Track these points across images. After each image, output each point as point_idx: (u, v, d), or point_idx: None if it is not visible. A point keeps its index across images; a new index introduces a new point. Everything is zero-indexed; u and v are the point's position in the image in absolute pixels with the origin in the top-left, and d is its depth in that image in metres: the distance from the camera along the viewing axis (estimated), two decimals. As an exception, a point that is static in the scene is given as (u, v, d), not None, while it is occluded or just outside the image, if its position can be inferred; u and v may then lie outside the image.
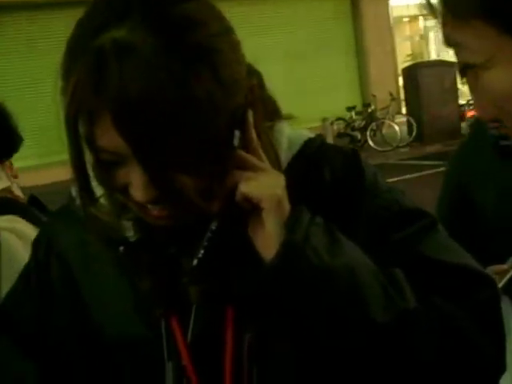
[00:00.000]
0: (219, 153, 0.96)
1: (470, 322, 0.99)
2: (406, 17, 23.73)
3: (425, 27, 24.42)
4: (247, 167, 0.99)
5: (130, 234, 1.08)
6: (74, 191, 1.13)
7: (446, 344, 0.97)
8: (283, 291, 0.96)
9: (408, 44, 24.85)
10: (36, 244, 1.21)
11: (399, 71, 18.94)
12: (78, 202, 1.09)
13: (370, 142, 16.09)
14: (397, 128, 16.13)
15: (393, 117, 16.85)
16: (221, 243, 1.00)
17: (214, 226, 1.00)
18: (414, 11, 22.84)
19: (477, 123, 1.64)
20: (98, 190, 1.07)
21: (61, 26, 16.06)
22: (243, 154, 1.00)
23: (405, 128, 16.30)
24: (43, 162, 16.48)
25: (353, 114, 16.98)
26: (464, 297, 1.01)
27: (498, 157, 1.55)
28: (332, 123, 15.96)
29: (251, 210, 0.99)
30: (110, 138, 0.91)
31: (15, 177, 2.05)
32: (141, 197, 0.95)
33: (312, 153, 1.09)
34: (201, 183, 0.96)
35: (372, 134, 16.45)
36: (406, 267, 1.00)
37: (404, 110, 17.50)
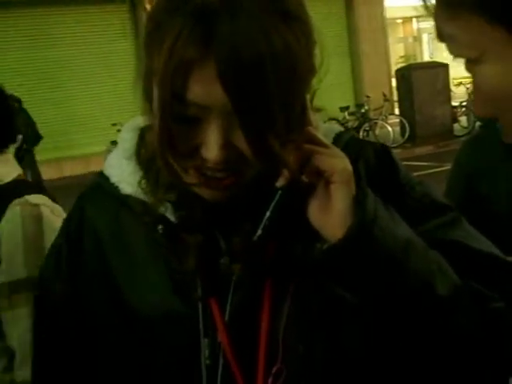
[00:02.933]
0: (300, 117, 0.99)
1: (505, 306, 1.02)
2: (399, 18, 23.74)
3: (418, 29, 24.44)
4: (316, 143, 1.01)
5: (170, 215, 1.08)
6: (109, 170, 1.16)
7: (487, 323, 1.01)
8: (348, 269, 0.98)
9: (401, 45, 24.86)
10: (68, 220, 1.21)
11: (392, 72, 18.94)
12: (115, 179, 1.13)
13: (363, 143, 16.04)
14: (390, 129, 16.14)
15: (386, 117, 16.85)
16: (279, 217, 1.00)
17: (278, 198, 1.00)
18: (407, 13, 22.86)
19: None
20: (140, 175, 1.10)
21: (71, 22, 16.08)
22: (312, 129, 1.02)
23: (398, 129, 16.30)
24: (51, 156, 16.46)
25: (346, 114, 16.97)
26: (495, 283, 1.04)
27: (506, 150, 1.55)
28: (325, 123, 15.87)
29: (315, 185, 1.00)
30: (204, 90, 0.92)
31: None
32: (215, 156, 0.95)
33: (344, 146, 1.10)
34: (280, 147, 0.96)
35: (365, 134, 16.43)
36: (440, 253, 1.03)
37: (397, 111, 17.50)
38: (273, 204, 1.00)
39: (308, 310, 1.06)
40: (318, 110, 1.11)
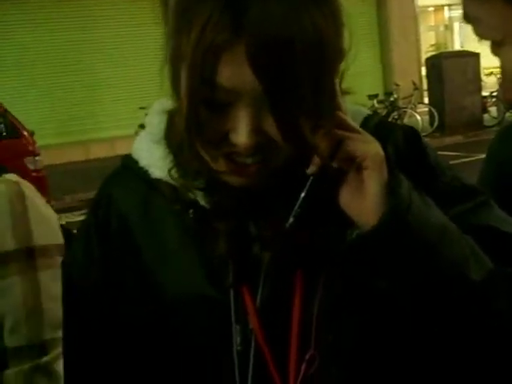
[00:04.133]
0: (330, 100, 0.98)
1: None
2: (430, 6, 23.53)
3: (449, 17, 24.20)
4: (347, 128, 0.99)
5: (201, 200, 1.07)
6: (138, 153, 1.15)
7: None
8: (382, 256, 0.97)
9: (432, 34, 24.63)
10: (96, 203, 1.18)
11: (423, 61, 18.81)
12: (144, 162, 1.12)
13: (391, 131, 15.99)
14: (418, 118, 16.04)
15: (415, 106, 16.76)
16: (311, 204, 0.99)
17: (309, 185, 0.99)
18: (439, 1, 22.64)
19: None
20: (168, 163, 1.09)
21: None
22: (342, 114, 1.01)
23: (427, 118, 16.21)
24: (61, 141, 16.59)
25: (375, 102, 16.87)
26: None
27: None
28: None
29: (347, 171, 0.98)
30: (234, 74, 0.91)
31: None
32: (245, 142, 0.94)
33: (373, 129, 1.08)
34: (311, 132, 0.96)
35: (393, 121, 16.35)
36: (472, 237, 1.02)
37: (426, 100, 17.39)
38: (304, 191, 0.99)
39: (340, 298, 1.05)
40: (346, 92, 1.09)
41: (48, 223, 1.87)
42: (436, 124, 15.78)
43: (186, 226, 1.09)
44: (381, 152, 0.98)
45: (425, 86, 17.61)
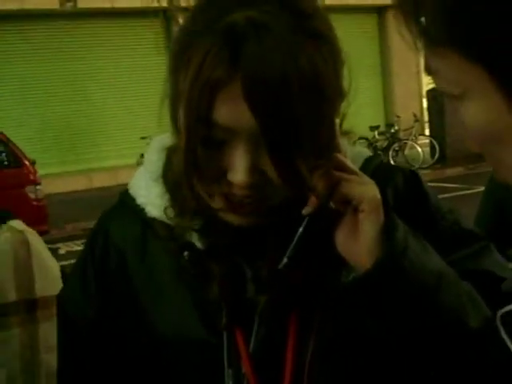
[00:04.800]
0: (329, 141, 0.98)
1: None
2: (432, 39, 23.67)
3: (451, 50, 24.34)
4: (344, 169, 0.99)
5: (196, 241, 1.07)
6: (136, 190, 1.14)
7: None
8: (376, 300, 0.96)
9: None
10: (93, 238, 1.18)
11: (424, 93, 18.89)
12: (141, 200, 1.11)
13: (392, 163, 16.04)
14: (419, 149, 16.08)
15: (416, 138, 16.80)
16: (305, 245, 0.98)
17: (304, 226, 0.98)
18: (440, 33, 22.77)
19: None
20: (165, 201, 1.08)
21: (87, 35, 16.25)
22: (340, 156, 1.00)
23: (427, 150, 16.24)
24: (63, 170, 16.62)
25: (376, 133, 16.95)
26: None
27: None
28: (354, 142, 15.86)
29: (342, 213, 0.98)
30: (230, 111, 0.91)
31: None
32: (241, 181, 0.94)
33: (373, 172, 1.07)
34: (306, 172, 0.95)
35: (394, 154, 16.39)
36: (470, 283, 1.01)
37: (427, 132, 17.43)
38: (299, 232, 0.98)
39: (334, 342, 1.04)
40: (347, 133, 1.08)
41: (50, 273, 1.88)
42: (437, 156, 15.80)
43: (181, 267, 1.08)
44: (378, 195, 0.97)
45: (426, 117, 17.65)
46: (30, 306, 1.81)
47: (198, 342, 1.06)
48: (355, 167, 1.01)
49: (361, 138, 16.51)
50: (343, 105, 1.02)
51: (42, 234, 10.85)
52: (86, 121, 17.35)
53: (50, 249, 1.99)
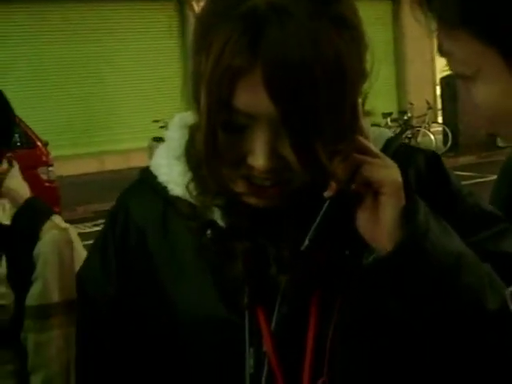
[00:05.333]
0: (351, 124, 0.98)
1: None
2: (447, 26, 23.50)
3: (466, 37, 24.15)
4: (367, 152, 0.99)
5: (218, 219, 1.07)
6: (157, 168, 1.14)
7: None
8: (397, 281, 0.96)
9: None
10: (113, 216, 1.18)
11: (437, 80, 18.78)
12: (163, 178, 1.11)
13: (405, 150, 15.96)
14: (432, 137, 16.01)
15: (428, 125, 16.72)
16: (327, 227, 0.99)
17: (326, 208, 0.99)
18: (455, 20, 22.57)
19: None
20: (189, 177, 1.08)
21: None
22: (362, 138, 1.00)
23: (440, 137, 16.16)
24: (76, 152, 16.64)
25: (388, 120, 16.86)
26: None
27: None
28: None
29: (364, 195, 0.98)
30: (251, 98, 0.91)
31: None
32: (262, 164, 0.94)
33: (394, 153, 1.08)
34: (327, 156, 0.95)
35: (407, 141, 16.33)
36: (490, 265, 1.02)
37: (440, 120, 17.35)
38: (321, 214, 0.98)
39: (355, 322, 1.04)
40: (368, 113, 1.08)
41: None
42: (449, 144, 15.73)
43: (203, 246, 1.08)
44: (398, 178, 0.98)
45: (439, 105, 17.56)
46: (69, 308, 1.80)
47: (218, 320, 1.07)
48: (377, 150, 1.01)
49: (373, 125, 16.40)
50: (365, 85, 1.02)
51: (53, 215, 10.60)
52: (99, 103, 17.33)
53: None
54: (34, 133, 10.62)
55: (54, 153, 11.20)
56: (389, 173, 0.98)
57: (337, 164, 0.96)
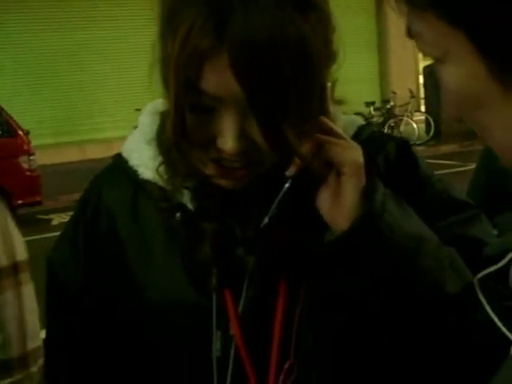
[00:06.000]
0: (319, 106, 0.98)
1: None
2: (429, 15, 23.59)
3: (448, 26, 24.27)
4: (330, 133, 1.00)
5: (187, 202, 1.07)
6: (128, 153, 1.14)
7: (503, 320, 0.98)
8: (354, 261, 0.97)
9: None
10: (85, 200, 1.18)
11: (420, 69, 18.85)
12: (134, 162, 1.11)
13: (387, 139, 16.02)
14: (415, 126, 16.07)
15: (411, 114, 16.78)
16: (289, 206, 1.00)
17: (287, 187, 0.99)
18: (438, 9, 22.67)
19: None
20: (158, 163, 1.08)
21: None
22: (326, 119, 1.01)
23: (423, 126, 16.23)
24: (57, 141, 16.58)
25: (371, 109, 16.91)
26: None
27: None
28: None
29: (326, 175, 0.99)
30: (217, 80, 0.91)
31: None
32: (231, 147, 0.95)
33: (365, 139, 1.09)
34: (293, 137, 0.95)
35: (390, 130, 16.37)
36: (457, 249, 1.02)
37: (423, 108, 17.42)
38: (281, 193, 0.99)
39: (320, 303, 1.04)
40: (340, 102, 1.09)
41: (20, 238, 1.91)
42: (432, 132, 15.81)
43: (173, 229, 1.09)
44: (359, 159, 0.98)
45: (422, 94, 17.63)
46: (15, 270, 1.83)
47: (187, 304, 1.07)
48: (341, 131, 1.02)
49: (356, 114, 16.48)
50: (335, 70, 1.03)
51: (35, 204, 10.78)
52: (80, 92, 17.26)
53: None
54: (15, 121, 10.58)
55: (35, 142, 11.16)
56: (350, 153, 0.98)
57: (301, 143, 0.96)
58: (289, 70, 0.90)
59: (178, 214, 1.08)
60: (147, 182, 1.11)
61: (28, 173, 10.24)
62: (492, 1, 0.68)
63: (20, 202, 10.09)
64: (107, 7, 17.38)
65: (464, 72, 0.74)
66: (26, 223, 9.43)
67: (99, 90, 17.40)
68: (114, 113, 17.41)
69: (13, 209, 9.25)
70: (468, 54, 0.72)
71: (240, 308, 1.05)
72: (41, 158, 11.09)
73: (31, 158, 10.35)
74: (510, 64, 0.70)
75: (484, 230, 1.10)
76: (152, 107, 1.16)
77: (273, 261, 1.04)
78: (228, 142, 0.95)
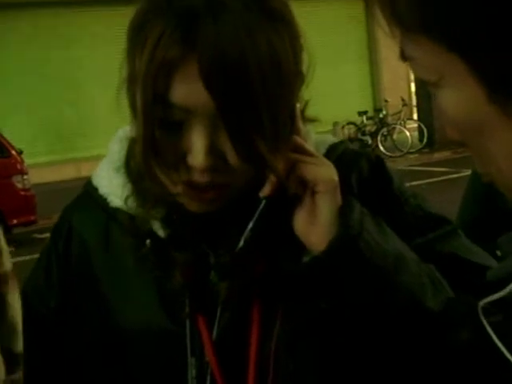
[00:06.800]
0: (288, 124, 0.97)
1: (502, 320, 0.98)
2: (419, 23, 23.70)
3: (438, 34, 24.38)
4: (302, 151, 0.98)
5: (158, 230, 1.06)
6: (98, 180, 1.14)
7: (477, 339, 0.95)
8: (332, 283, 0.95)
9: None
10: (57, 229, 1.17)
11: (411, 77, 18.89)
12: (103, 190, 1.11)
13: (381, 148, 16.05)
14: (408, 134, 16.09)
15: (404, 122, 16.82)
16: (263, 228, 0.98)
17: (261, 208, 0.97)
18: (427, 17, 22.77)
19: None
20: (128, 188, 1.07)
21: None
22: (298, 138, 1.00)
23: (416, 134, 16.26)
24: (51, 159, 16.56)
25: (364, 118, 16.93)
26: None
27: None
28: (343, 127, 15.94)
29: (299, 195, 0.97)
30: (187, 91, 0.89)
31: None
32: (201, 161, 0.92)
33: (337, 158, 1.07)
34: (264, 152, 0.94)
35: (383, 139, 16.42)
36: (435, 266, 1.00)
37: (415, 116, 17.45)
38: (256, 215, 0.97)
39: (298, 327, 1.02)
40: (312, 120, 1.08)
41: (6, 249, 2.05)
42: (425, 140, 15.83)
43: (144, 257, 1.07)
44: (334, 176, 0.97)
45: (414, 102, 17.67)
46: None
47: (160, 331, 1.05)
48: (313, 149, 1.00)
49: (349, 123, 16.53)
50: (305, 92, 1.01)
51: (29, 223, 10.79)
52: (73, 109, 17.27)
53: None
54: (7, 142, 10.56)
55: (29, 161, 11.15)
56: (323, 171, 0.97)
57: (275, 162, 0.94)
58: (260, 80, 0.88)
59: (147, 242, 1.06)
60: (117, 210, 1.09)
61: (22, 192, 10.22)
62: (488, 22, 0.66)
63: (15, 221, 10.08)
64: (98, 25, 17.41)
65: (462, 97, 0.72)
66: (21, 243, 9.40)
67: (92, 107, 17.39)
68: (108, 130, 17.38)
69: (8, 229, 9.24)
70: (465, 77, 0.70)
71: (214, 334, 1.04)
72: (35, 177, 11.07)
73: (25, 177, 10.34)
74: (510, 86, 0.67)
75: (461, 244, 1.08)
76: (122, 133, 1.15)
77: (246, 285, 1.02)
78: (197, 156, 0.92)
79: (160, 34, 0.89)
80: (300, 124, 1.01)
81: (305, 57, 0.99)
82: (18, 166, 10.40)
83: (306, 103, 1.04)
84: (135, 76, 0.94)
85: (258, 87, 0.88)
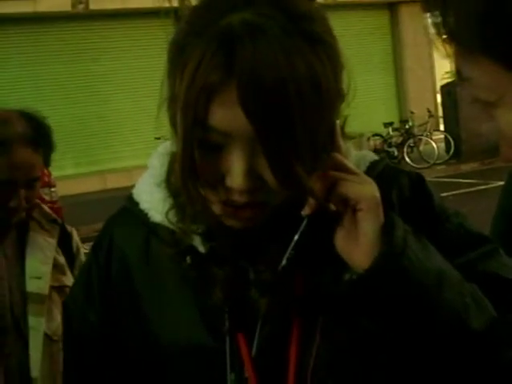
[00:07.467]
0: (328, 143, 0.97)
1: None
2: (445, 33, 23.55)
3: (464, 44, 24.20)
4: (343, 169, 0.98)
5: (199, 245, 1.06)
6: (139, 195, 1.15)
7: None
8: (375, 301, 0.94)
9: (447, 61, 24.67)
10: (97, 244, 1.19)
11: (438, 88, 18.80)
12: (144, 205, 1.12)
13: (407, 159, 15.97)
14: (434, 145, 15.99)
15: (430, 133, 16.71)
16: (306, 247, 0.98)
17: (303, 227, 0.97)
18: (453, 28, 22.61)
19: None
20: (169, 203, 1.08)
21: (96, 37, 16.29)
22: (339, 155, 0.99)
23: (442, 145, 16.15)
24: (78, 171, 16.67)
25: (390, 130, 16.85)
26: None
27: None
28: (368, 139, 15.85)
29: (342, 213, 0.97)
30: (226, 116, 0.89)
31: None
32: (239, 184, 0.92)
33: (378, 175, 1.06)
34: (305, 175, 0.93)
35: (409, 150, 16.33)
36: (477, 285, 1.00)
37: (442, 127, 17.34)
38: (298, 233, 0.97)
39: (338, 345, 1.02)
40: (352, 137, 1.08)
41: None
42: (452, 151, 15.71)
43: (184, 272, 1.07)
44: (376, 194, 0.96)
45: (440, 113, 17.57)
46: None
47: (200, 347, 1.06)
48: (354, 167, 0.99)
49: (375, 135, 16.46)
50: (344, 108, 1.01)
51: (57, 236, 10.62)
52: (99, 122, 17.39)
53: None
54: (35, 154, 10.63)
55: (56, 173, 11.21)
56: (365, 189, 0.96)
57: (314, 181, 0.94)
58: (299, 104, 0.88)
59: (188, 258, 1.06)
60: (158, 225, 1.10)
61: (49, 205, 10.24)
62: None
63: (42, 233, 10.13)
64: (124, 38, 17.54)
65: None
66: (48, 255, 9.44)
67: (118, 119, 17.52)
68: (134, 142, 17.50)
69: (35, 241, 9.28)
70: None
71: (254, 350, 1.04)
72: (61, 189, 11.14)
73: (52, 189, 10.39)
74: None
75: (502, 264, 1.07)
76: (162, 148, 1.15)
77: (287, 302, 1.02)
78: (236, 179, 0.92)
79: (200, 58, 0.89)
80: (340, 141, 1.00)
81: (344, 75, 0.98)
82: (46, 179, 10.46)
83: (345, 119, 1.04)
84: (175, 97, 0.94)
85: (297, 112, 0.88)
